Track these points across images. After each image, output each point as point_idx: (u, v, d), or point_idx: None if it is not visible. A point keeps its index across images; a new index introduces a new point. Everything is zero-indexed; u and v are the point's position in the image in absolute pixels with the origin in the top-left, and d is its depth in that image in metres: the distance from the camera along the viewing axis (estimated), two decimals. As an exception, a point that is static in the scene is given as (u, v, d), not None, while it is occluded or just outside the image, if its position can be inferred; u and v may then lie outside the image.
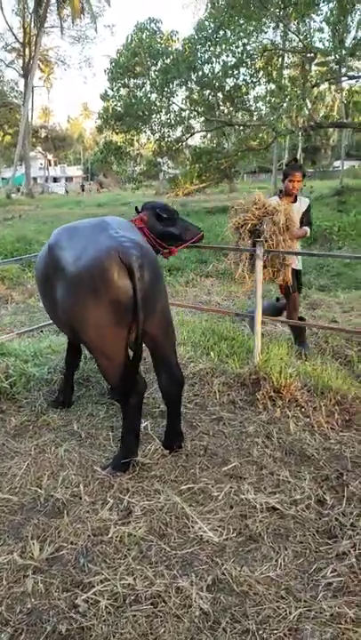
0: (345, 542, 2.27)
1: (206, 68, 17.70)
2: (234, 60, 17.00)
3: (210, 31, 16.69)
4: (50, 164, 57.27)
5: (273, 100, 15.48)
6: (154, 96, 18.42)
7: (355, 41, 14.69)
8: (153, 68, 18.02)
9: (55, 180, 56.70)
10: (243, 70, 17.32)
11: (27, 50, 32.46)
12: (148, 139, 20.39)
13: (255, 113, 18.58)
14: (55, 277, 2.89)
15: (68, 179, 57.54)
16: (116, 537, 2.35)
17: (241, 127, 18.91)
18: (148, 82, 18.40)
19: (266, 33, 17.09)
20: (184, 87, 18.27)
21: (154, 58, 17.72)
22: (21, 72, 33.50)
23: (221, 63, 17.32)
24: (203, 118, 19.27)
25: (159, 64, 17.75)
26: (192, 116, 19.19)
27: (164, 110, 18.66)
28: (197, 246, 4.07)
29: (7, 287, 7.76)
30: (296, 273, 4.52)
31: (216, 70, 17.58)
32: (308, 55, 16.00)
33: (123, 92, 19.12)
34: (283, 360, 3.77)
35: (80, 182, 51.66)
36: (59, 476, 2.81)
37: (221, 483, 2.74)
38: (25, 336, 4.78)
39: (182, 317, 5.25)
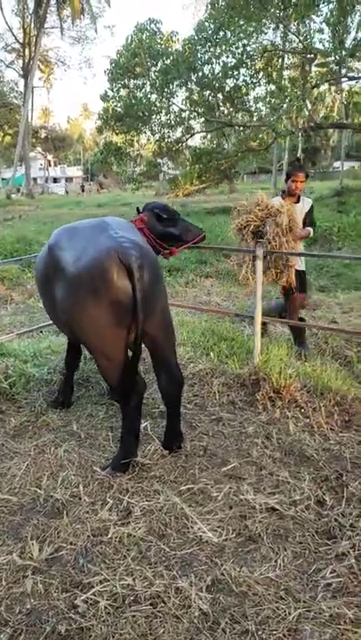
0: (344, 543, 2.27)
1: (206, 69, 17.74)
2: (234, 60, 17.02)
3: (210, 32, 16.71)
4: (50, 165, 57.29)
5: (273, 100, 15.49)
6: (154, 97, 18.44)
7: (355, 42, 14.70)
8: (153, 68, 18.04)
9: (55, 180, 56.71)
10: (243, 71, 17.36)
11: (27, 50, 32.49)
12: (148, 139, 20.41)
13: (255, 114, 18.60)
14: (55, 278, 2.89)
15: (68, 179, 57.55)
16: (116, 537, 2.35)
17: (241, 128, 18.92)
18: (148, 82, 18.42)
19: (266, 34, 17.13)
20: (184, 88, 18.29)
21: (154, 58, 17.74)
22: (21, 72, 33.54)
23: (221, 64, 17.36)
24: (203, 119, 19.29)
25: (159, 65, 17.76)
26: (192, 116, 19.21)
27: (164, 111, 18.67)
28: (197, 247, 4.06)
29: (7, 287, 7.76)
30: (300, 274, 4.52)
31: (216, 71, 17.61)
32: (308, 56, 16.01)
33: (123, 92, 19.14)
34: (282, 361, 3.77)
35: (80, 183, 51.69)
36: (58, 477, 2.81)
37: (221, 483, 2.74)
38: (25, 336, 4.78)
39: (182, 318, 5.25)
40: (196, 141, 21.49)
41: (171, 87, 17.96)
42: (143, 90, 18.75)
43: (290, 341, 4.66)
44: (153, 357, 2.98)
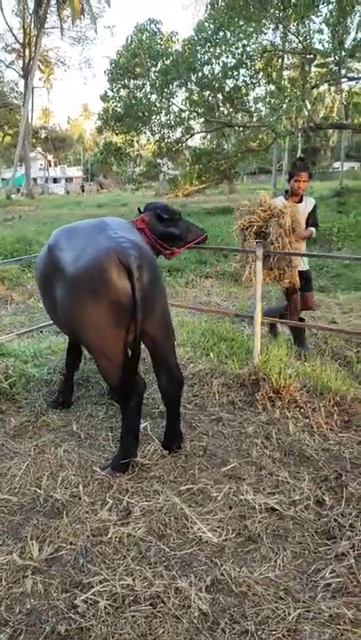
0: (344, 543, 2.27)
1: (206, 69, 17.74)
2: (234, 61, 17.03)
3: (210, 32, 16.71)
4: (50, 165, 57.31)
5: (273, 101, 15.50)
6: (154, 97, 18.45)
7: (354, 42, 14.71)
8: (153, 68, 18.04)
9: (55, 180, 56.73)
10: (242, 71, 17.36)
11: (27, 50, 32.49)
12: (148, 140, 20.41)
13: (255, 114, 18.61)
14: (54, 278, 2.89)
15: (68, 179, 57.58)
16: (116, 537, 2.35)
17: (241, 128, 18.93)
18: (148, 83, 18.43)
19: (265, 34, 17.13)
20: (184, 88, 18.30)
21: (154, 59, 17.74)
22: (21, 73, 33.54)
23: (221, 64, 17.36)
24: (202, 119, 19.30)
25: (159, 65, 17.77)
26: (192, 117, 19.22)
27: (163, 111, 18.68)
28: (197, 247, 4.06)
29: (7, 288, 7.76)
30: (304, 273, 4.50)
31: (216, 71, 17.62)
32: (308, 56, 16.03)
33: (123, 92, 19.15)
34: (282, 361, 3.77)
35: (80, 183, 51.70)
36: (58, 477, 2.81)
37: (221, 483, 2.74)
38: (25, 336, 4.78)
39: (182, 318, 5.25)
40: (195, 142, 21.54)
41: (171, 87, 17.97)
42: (143, 90, 18.76)
43: (290, 341, 4.67)
44: (153, 357, 2.98)
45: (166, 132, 19.24)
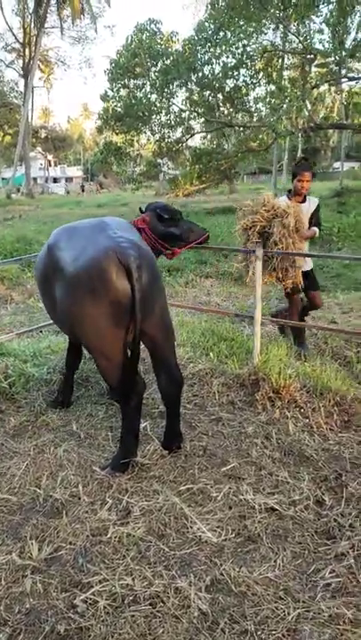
0: (343, 543, 2.27)
1: (206, 69, 17.72)
2: (234, 61, 17.01)
3: (210, 32, 16.70)
4: (50, 165, 57.29)
5: (273, 101, 15.49)
6: (154, 97, 18.43)
7: (355, 42, 14.70)
8: (153, 68, 18.03)
9: (55, 180, 56.70)
10: (243, 71, 17.34)
11: (27, 50, 32.47)
12: (148, 139, 20.40)
13: (255, 114, 18.60)
14: (54, 278, 2.89)
15: (68, 179, 57.56)
16: (115, 537, 2.35)
17: (241, 128, 18.92)
18: (148, 82, 18.41)
19: (266, 34, 17.11)
20: (184, 88, 18.28)
21: (154, 59, 17.73)
22: (21, 72, 33.52)
23: (221, 64, 17.34)
24: (203, 119, 19.28)
25: (159, 65, 17.76)
26: (192, 116, 19.20)
27: (164, 111, 18.66)
28: (198, 247, 4.05)
29: (7, 287, 7.76)
30: (308, 273, 4.49)
31: (216, 71, 17.60)
32: (308, 56, 16.02)
33: (123, 92, 19.13)
34: (282, 361, 3.77)
35: (80, 183, 51.69)
36: (58, 477, 2.81)
37: (220, 483, 2.74)
38: (24, 336, 4.78)
39: (182, 318, 5.25)
40: (196, 142, 21.51)
41: (171, 87, 17.95)
42: (143, 90, 18.75)
43: (289, 341, 4.66)
44: (152, 357, 2.98)
45: (166, 131, 19.23)
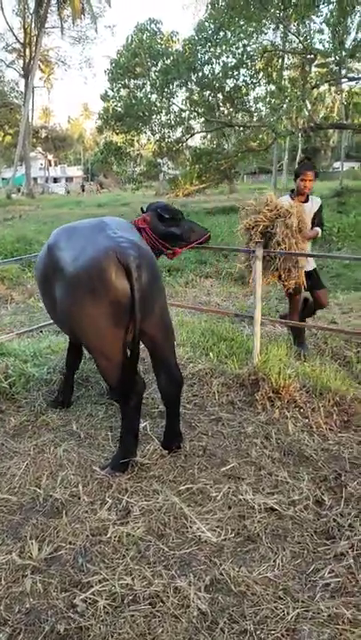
0: (343, 543, 2.28)
1: (206, 69, 17.74)
2: (234, 60, 17.03)
3: (210, 32, 16.72)
4: (50, 165, 57.29)
5: (273, 101, 15.49)
6: (154, 97, 18.45)
7: (355, 42, 14.72)
8: (153, 68, 18.05)
9: (55, 180, 56.70)
10: (243, 71, 17.37)
11: (27, 50, 32.48)
12: (149, 139, 20.42)
13: (255, 114, 18.61)
14: (54, 277, 2.90)
15: (69, 179, 57.56)
16: (115, 537, 2.35)
17: (241, 128, 18.93)
18: (149, 82, 18.43)
19: (266, 34, 17.14)
20: (184, 88, 18.29)
21: (154, 58, 17.75)
22: (22, 72, 33.53)
23: (221, 64, 17.36)
24: (203, 119, 19.30)
25: (159, 65, 17.77)
26: (192, 116, 19.22)
27: (164, 111, 18.68)
28: (199, 247, 4.03)
29: (7, 287, 7.77)
30: (312, 273, 4.46)
31: (216, 71, 17.62)
32: (308, 56, 16.03)
33: (123, 92, 19.15)
34: (282, 361, 3.77)
35: (80, 183, 51.70)
36: (58, 476, 2.82)
37: (220, 483, 2.74)
38: (24, 336, 4.78)
39: (182, 318, 5.25)
40: (196, 141, 21.54)
41: (171, 87, 17.97)
42: (143, 90, 18.77)
43: (289, 341, 4.67)
44: (152, 357, 2.99)
45: (166, 131, 19.25)
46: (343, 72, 16.71)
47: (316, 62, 17.12)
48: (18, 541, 2.36)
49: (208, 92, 18.40)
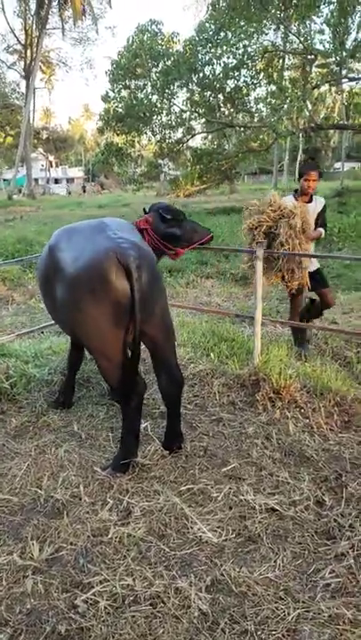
0: (343, 543, 2.28)
1: (207, 70, 17.76)
2: (235, 61, 17.04)
3: (211, 33, 16.73)
4: (51, 166, 57.35)
5: (274, 101, 15.51)
6: (155, 97, 18.47)
7: (355, 43, 14.73)
8: (154, 69, 18.07)
9: (56, 181, 56.81)
10: (243, 72, 17.38)
11: (28, 51, 32.54)
12: (149, 140, 20.45)
13: (256, 114, 18.63)
14: (55, 278, 2.90)
15: (70, 180, 57.66)
16: (116, 538, 2.35)
17: (242, 128, 18.94)
18: (149, 83, 18.45)
19: (267, 34, 17.16)
20: (185, 89, 18.32)
21: (155, 59, 17.77)
22: (23, 73, 33.58)
23: (222, 65, 17.39)
24: (203, 120, 19.32)
25: (160, 66, 17.79)
26: (193, 117, 19.24)
27: (164, 112, 18.71)
28: (201, 247, 4.03)
29: (8, 288, 7.78)
30: (316, 273, 4.45)
31: (217, 72, 17.64)
32: (309, 57, 16.06)
33: (124, 93, 19.18)
34: (282, 361, 3.77)
35: (81, 183, 51.77)
36: (59, 477, 2.82)
37: (221, 484, 2.74)
38: (26, 337, 4.79)
39: (182, 318, 5.25)
40: (196, 142, 21.55)
41: (172, 88, 18.00)
42: (144, 91, 18.79)
43: (290, 342, 4.67)
44: (153, 358, 2.99)
45: (167, 132, 19.27)
46: (344, 72, 16.75)
47: (316, 63, 17.15)
48: (19, 542, 2.36)
49: (209, 92, 18.42)
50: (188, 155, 20.38)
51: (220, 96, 18.54)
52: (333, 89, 21.25)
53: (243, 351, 4.29)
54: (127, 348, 2.74)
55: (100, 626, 1.92)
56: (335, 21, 14.31)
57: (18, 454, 3.11)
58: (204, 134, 20.98)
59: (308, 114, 15.95)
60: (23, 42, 32.98)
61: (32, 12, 31.07)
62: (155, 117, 18.82)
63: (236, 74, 17.37)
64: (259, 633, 1.87)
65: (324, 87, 19.45)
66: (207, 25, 17.03)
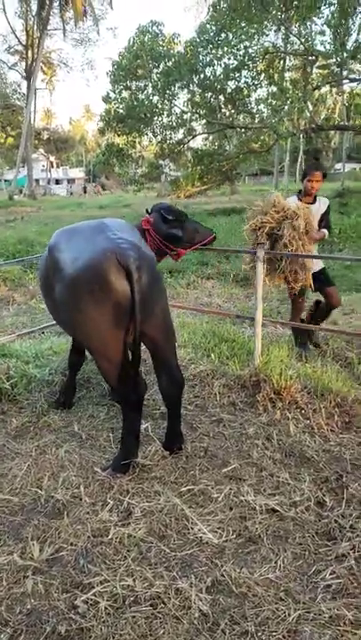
0: (344, 544, 2.27)
1: (208, 71, 17.78)
2: (235, 62, 17.06)
3: (212, 34, 16.76)
4: (52, 166, 57.42)
5: (274, 102, 15.51)
6: (156, 98, 18.49)
7: (356, 44, 14.73)
8: (155, 70, 18.09)
9: (57, 181, 56.88)
10: (244, 73, 17.39)
11: (29, 52, 32.64)
12: (150, 141, 20.47)
13: (257, 115, 18.64)
14: (55, 279, 2.90)
15: (70, 181, 57.72)
16: (116, 538, 2.35)
17: (242, 129, 18.96)
18: (150, 84, 18.47)
19: (267, 36, 17.16)
20: (186, 90, 18.35)
21: (156, 60, 17.79)
22: (24, 74, 33.67)
23: (223, 66, 17.39)
24: (204, 121, 19.35)
25: (161, 66, 17.81)
26: (194, 118, 19.27)
27: (165, 113, 18.73)
28: (202, 248, 4.02)
29: (9, 288, 7.79)
30: (320, 274, 4.42)
31: (218, 73, 17.65)
32: (310, 58, 16.08)
33: (125, 94, 19.20)
34: (283, 362, 3.77)
35: (82, 184, 51.81)
36: (59, 477, 2.82)
37: (221, 484, 2.74)
38: (26, 337, 4.79)
39: (183, 319, 5.26)
40: (197, 143, 21.58)
41: (173, 89, 18.02)
42: (145, 91, 18.82)
43: (290, 342, 4.66)
44: (153, 359, 2.99)
45: (168, 133, 19.29)
46: (344, 73, 16.77)
47: (317, 64, 17.17)
48: (19, 542, 2.36)
49: (210, 93, 18.45)
50: (188, 156, 20.40)
51: (221, 97, 18.56)
52: (334, 90, 21.26)
53: (243, 352, 4.29)
54: (127, 349, 2.74)
55: (100, 626, 1.92)
56: (336, 22, 14.32)
57: (18, 454, 3.11)
58: (205, 135, 21.00)
59: (308, 115, 15.96)
60: (24, 43, 33.08)
61: (33, 13, 31.15)
62: (156, 118, 18.84)
63: (237, 75, 17.39)
64: (259, 634, 1.87)
65: (325, 88, 19.43)
66: (208, 26, 17.05)
